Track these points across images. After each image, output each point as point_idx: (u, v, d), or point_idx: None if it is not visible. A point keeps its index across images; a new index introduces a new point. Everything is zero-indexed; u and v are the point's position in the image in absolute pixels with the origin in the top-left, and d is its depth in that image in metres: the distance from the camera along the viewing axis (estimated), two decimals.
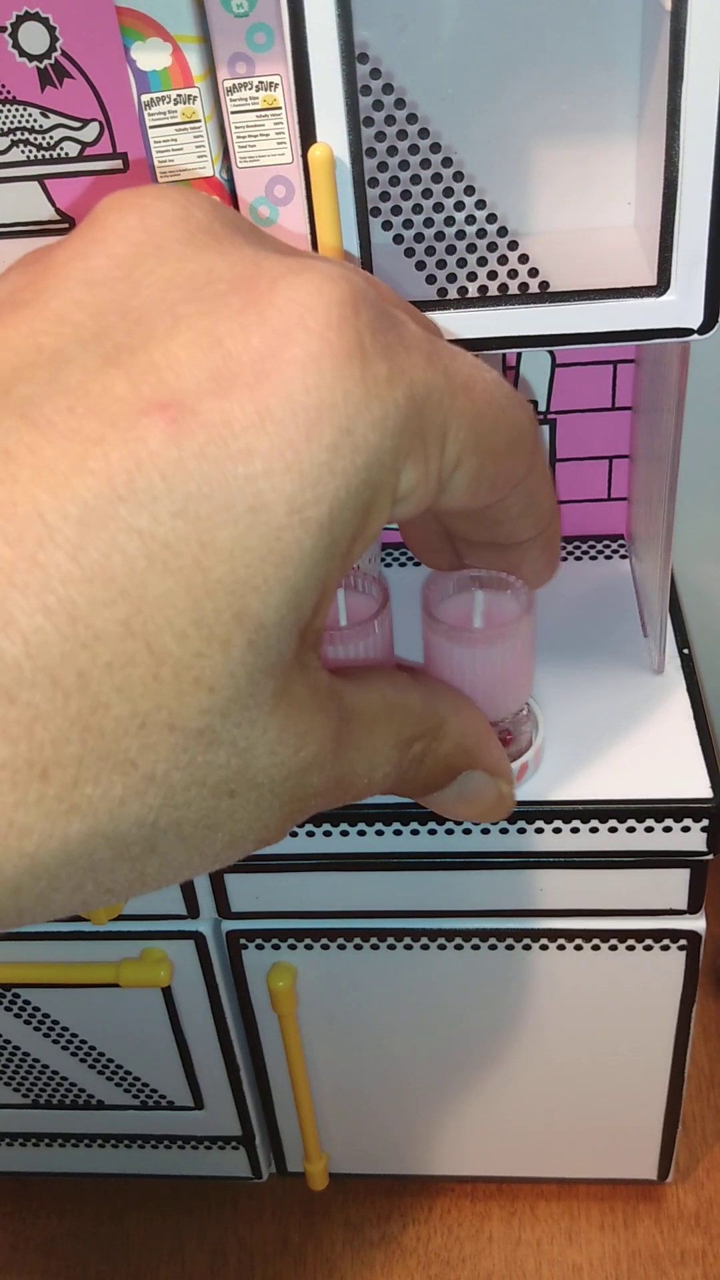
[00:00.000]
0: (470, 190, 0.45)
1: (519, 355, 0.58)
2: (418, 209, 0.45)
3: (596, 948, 0.52)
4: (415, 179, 0.45)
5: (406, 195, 0.45)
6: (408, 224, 0.45)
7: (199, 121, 0.44)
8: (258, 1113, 0.63)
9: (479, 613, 0.46)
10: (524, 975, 0.54)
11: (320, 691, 0.27)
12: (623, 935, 0.52)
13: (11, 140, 0.53)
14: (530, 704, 0.50)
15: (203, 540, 0.22)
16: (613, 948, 0.52)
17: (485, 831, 0.49)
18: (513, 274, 0.44)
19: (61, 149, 0.53)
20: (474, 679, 0.45)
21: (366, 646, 0.47)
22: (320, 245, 0.40)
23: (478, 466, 0.29)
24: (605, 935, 0.52)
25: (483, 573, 0.47)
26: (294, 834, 0.49)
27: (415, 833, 0.49)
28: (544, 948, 0.53)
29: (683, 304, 0.42)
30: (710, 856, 0.49)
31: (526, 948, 0.53)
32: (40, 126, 0.53)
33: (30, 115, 0.52)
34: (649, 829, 0.48)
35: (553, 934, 0.52)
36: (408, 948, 0.53)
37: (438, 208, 0.45)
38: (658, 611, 0.53)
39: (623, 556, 0.62)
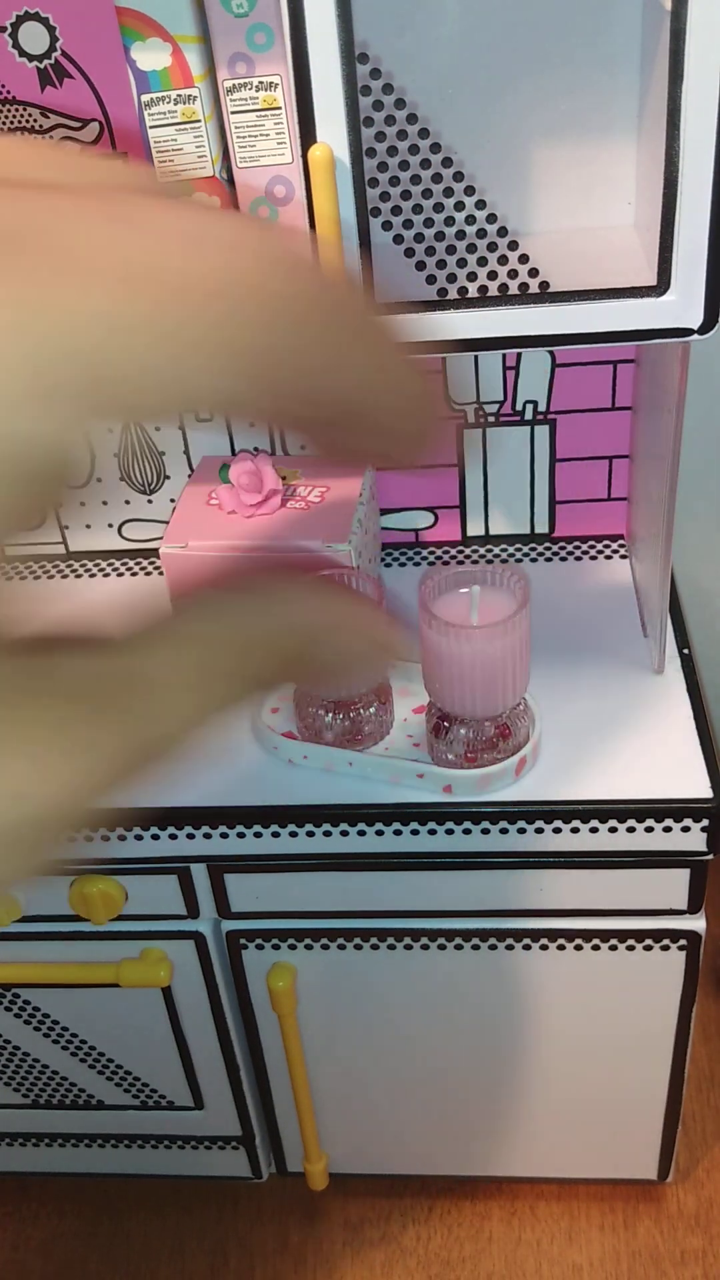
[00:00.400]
0: (470, 190, 0.45)
1: (519, 355, 0.58)
2: (418, 209, 0.45)
3: (597, 948, 0.52)
4: (415, 179, 0.45)
5: (406, 195, 0.45)
6: (408, 224, 0.45)
7: (199, 121, 0.44)
8: (258, 1113, 0.63)
9: (475, 609, 0.46)
10: (524, 975, 0.54)
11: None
12: (623, 935, 0.52)
13: None
14: (526, 699, 0.50)
15: None
16: (613, 948, 0.52)
17: (485, 832, 0.49)
18: (513, 274, 0.44)
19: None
20: (472, 675, 0.45)
21: None
22: (320, 245, 0.40)
23: (217, 369, 0.22)
24: (605, 935, 0.52)
25: (479, 569, 0.47)
26: (294, 834, 0.49)
27: (415, 833, 0.49)
28: (544, 948, 0.53)
29: (683, 304, 0.42)
30: (710, 856, 0.49)
31: (527, 948, 0.53)
32: (40, 126, 0.53)
33: (30, 115, 0.52)
34: (649, 829, 0.48)
35: (553, 934, 0.52)
36: (408, 948, 0.53)
37: (438, 208, 0.45)
38: (658, 611, 0.53)
39: (623, 557, 0.62)
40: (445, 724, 0.48)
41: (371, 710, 0.49)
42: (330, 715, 0.49)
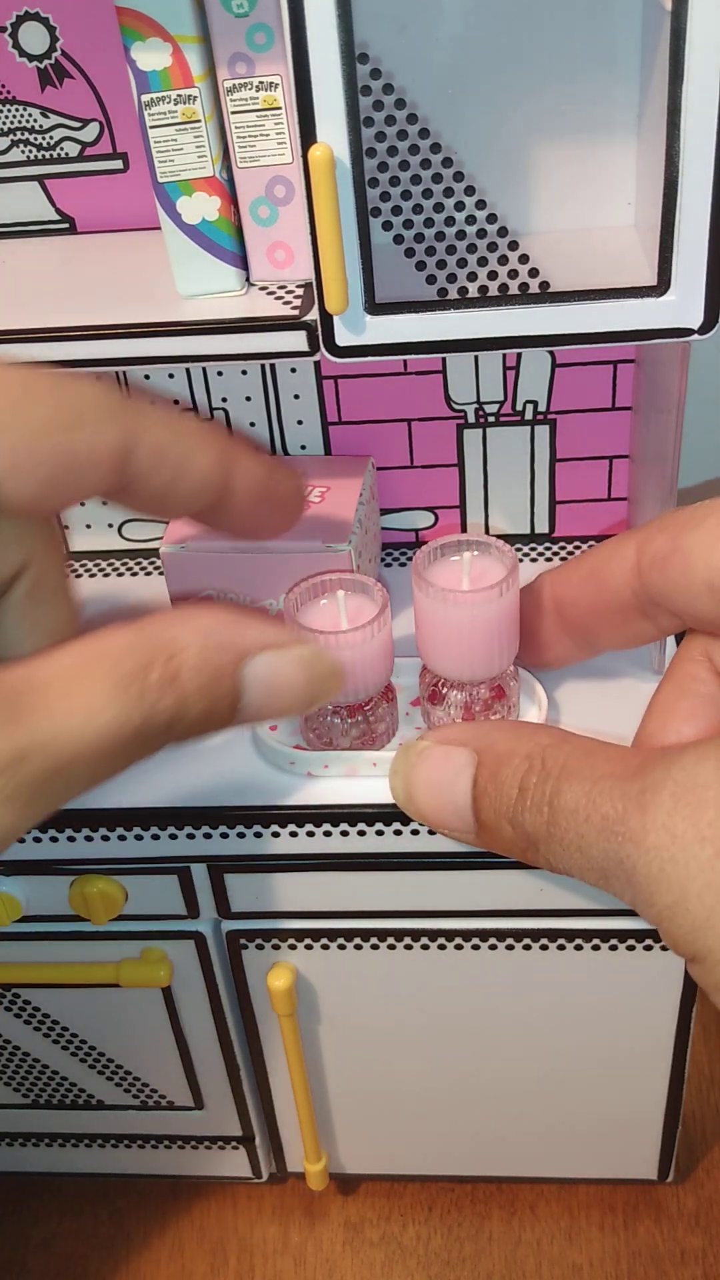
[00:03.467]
0: (470, 190, 0.45)
1: (519, 355, 0.58)
2: (418, 209, 0.45)
3: (596, 948, 0.52)
4: (415, 179, 0.45)
5: (406, 195, 0.45)
6: (408, 224, 0.45)
7: (199, 121, 0.44)
8: (258, 1113, 0.63)
9: (466, 575, 0.47)
10: (524, 975, 0.54)
11: None
12: (623, 935, 0.52)
13: (11, 140, 0.53)
14: (524, 673, 0.51)
15: None
16: (613, 948, 0.52)
17: None
18: (513, 274, 0.44)
19: (61, 149, 0.53)
20: (466, 638, 0.46)
21: (367, 648, 0.47)
22: (320, 245, 0.40)
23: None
24: (605, 935, 0.52)
25: (467, 537, 0.47)
26: (294, 834, 0.49)
27: (415, 833, 0.49)
28: (544, 948, 0.53)
29: (683, 304, 0.42)
30: None
31: (527, 948, 0.53)
32: (40, 126, 0.53)
33: (30, 115, 0.52)
34: None
35: (553, 934, 0.52)
36: (408, 948, 0.53)
37: (438, 208, 0.45)
38: None
39: None
40: (441, 689, 0.48)
41: (382, 708, 0.50)
42: (341, 720, 0.49)
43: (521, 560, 0.63)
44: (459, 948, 0.53)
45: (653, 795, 0.31)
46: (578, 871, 0.34)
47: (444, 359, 0.58)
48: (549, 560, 0.63)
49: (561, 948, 0.53)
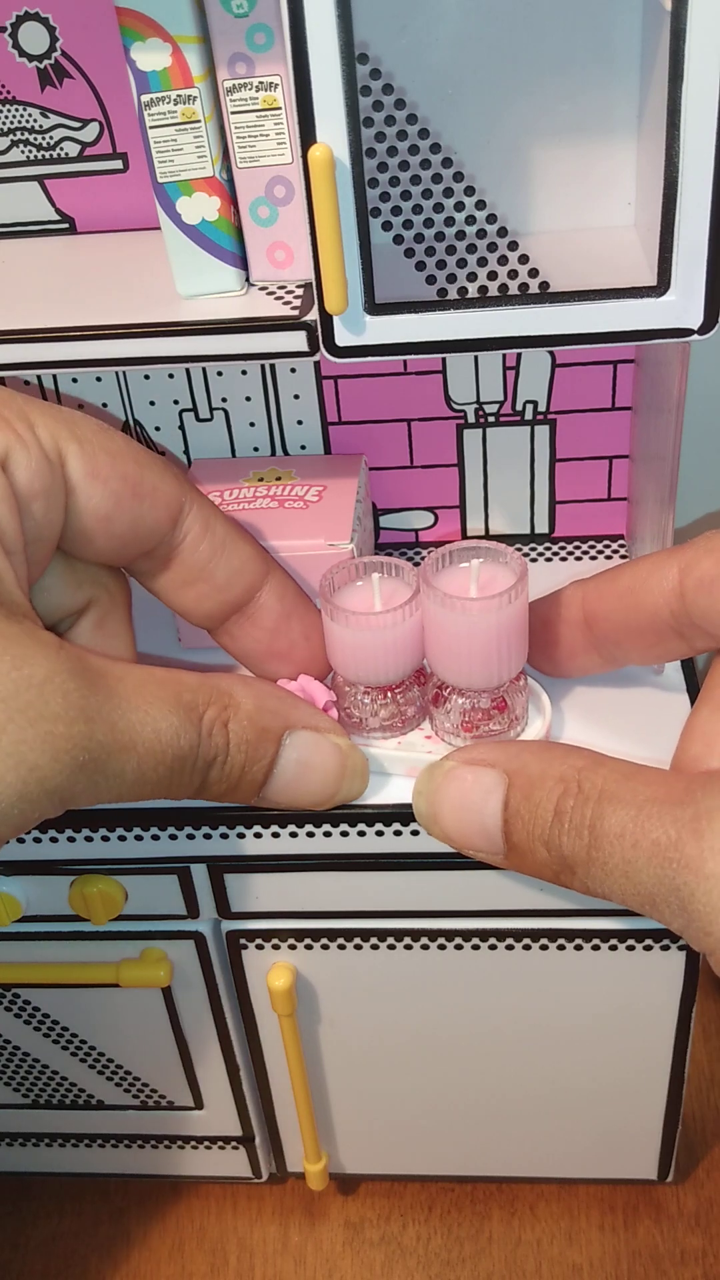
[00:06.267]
0: (470, 190, 0.45)
1: (519, 355, 0.58)
2: (418, 209, 0.45)
3: (596, 948, 0.52)
4: (415, 179, 0.45)
5: (406, 195, 0.45)
6: (408, 224, 0.45)
7: (199, 121, 0.44)
8: (258, 1113, 0.63)
9: (475, 582, 0.47)
10: (524, 975, 0.54)
11: (36, 635, 0.33)
12: (622, 935, 0.52)
13: (11, 140, 0.53)
14: (532, 683, 0.50)
15: None
16: (613, 948, 0.52)
17: None
18: (513, 274, 0.44)
19: (61, 149, 0.53)
20: (468, 645, 0.45)
21: (400, 630, 0.47)
22: (320, 245, 0.40)
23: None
24: (605, 935, 0.52)
25: (479, 544, 0.47)
26: (294, 834, 0.49)
27: (415, 833, 0.49)
28: (544, 948, 0.53)
29: (683, 304, 0.42)
30: None
31: (526, 948, 0.53)
32: (40, 126, 0.53)
33: (30, 115, 0.52)
34: None
35: (553, 934, 0.52)
36: (408, 948, 0.53)
37: (438, 208, 0.45)
38: None
39: (623, 556, 0.62)
40: (444, 694, 0.48)
41: (413, 692, 0.49)
42: (372, 700, 0.49)
43: None
44: (459, 948, 0.53)
45: (708, 821, 0.31)
46: (619, 896, 0.34)
47: (444, 359, 0.58)
48: (549, 560, 0.63)
49: (561, 948, 0.53)
